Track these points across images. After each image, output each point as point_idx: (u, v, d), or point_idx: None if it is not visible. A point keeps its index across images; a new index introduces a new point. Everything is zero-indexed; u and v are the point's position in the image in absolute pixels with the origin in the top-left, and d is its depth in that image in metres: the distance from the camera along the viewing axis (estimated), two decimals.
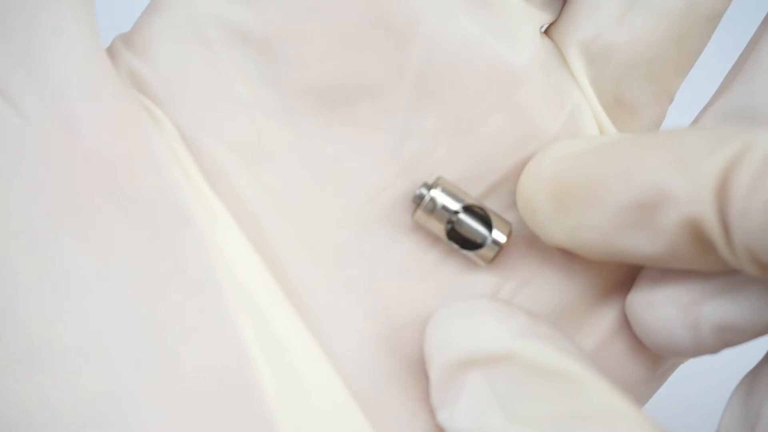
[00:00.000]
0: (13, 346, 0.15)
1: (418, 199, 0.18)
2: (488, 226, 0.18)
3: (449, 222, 0.18)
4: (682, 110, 0.21)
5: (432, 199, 0.18)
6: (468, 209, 0.18)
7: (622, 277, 0.19)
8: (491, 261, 0.18)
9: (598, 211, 0.17)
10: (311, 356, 0.17)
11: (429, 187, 0.18)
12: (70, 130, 0.16)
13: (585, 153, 0.17)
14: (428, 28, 0.18)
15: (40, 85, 0.16)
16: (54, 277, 0.15)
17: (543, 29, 0.20)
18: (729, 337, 0.17)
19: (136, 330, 0.15)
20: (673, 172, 0.16)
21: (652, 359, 0.19)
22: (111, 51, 0.18)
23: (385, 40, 0.18)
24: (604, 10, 0.19)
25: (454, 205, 0.18)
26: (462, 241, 0.18)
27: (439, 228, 0.18)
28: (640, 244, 0.16)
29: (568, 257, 0.19)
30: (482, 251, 0.18)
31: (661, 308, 0.18)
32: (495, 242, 0.18)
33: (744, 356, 0.19)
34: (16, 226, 0.15)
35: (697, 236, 0.16)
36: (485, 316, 0.16)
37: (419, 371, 0.18)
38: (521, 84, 0.18)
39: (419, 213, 0.18)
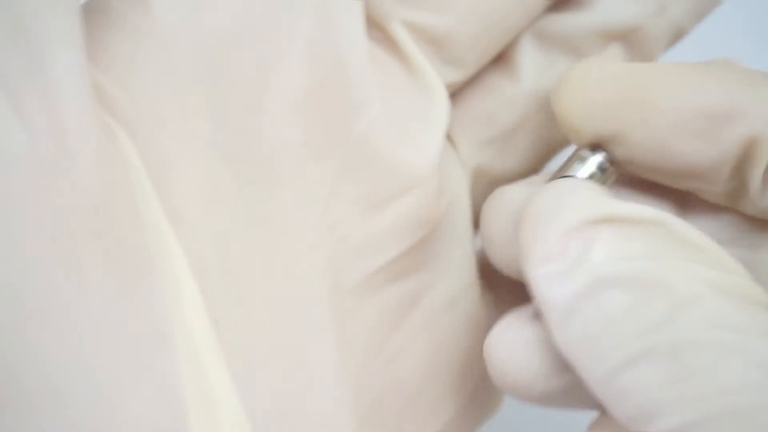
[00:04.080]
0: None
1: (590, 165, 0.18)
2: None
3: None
4: None
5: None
6: None
7: None
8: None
9: (660, 115, 0.17)
10: (234, 413, 0.17)
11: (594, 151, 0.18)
12: (68, 156, 0.15)
13: (635, 69, 0.18)
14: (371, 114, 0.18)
15: (49, 101, 0.15)
16: (51, 314, 0.15)
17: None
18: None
19: (87, 377, 0.15)
20: (746, 93, 0.17)
21: None
22: None
23: (334, 110, 0.18)
24: None
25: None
26: None
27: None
28: (696, 149, 0.17)
29: None
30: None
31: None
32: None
33: None
34: (20, 259, 0.15)
35: (748, 158, 0.17)
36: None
37: None
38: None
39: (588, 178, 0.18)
